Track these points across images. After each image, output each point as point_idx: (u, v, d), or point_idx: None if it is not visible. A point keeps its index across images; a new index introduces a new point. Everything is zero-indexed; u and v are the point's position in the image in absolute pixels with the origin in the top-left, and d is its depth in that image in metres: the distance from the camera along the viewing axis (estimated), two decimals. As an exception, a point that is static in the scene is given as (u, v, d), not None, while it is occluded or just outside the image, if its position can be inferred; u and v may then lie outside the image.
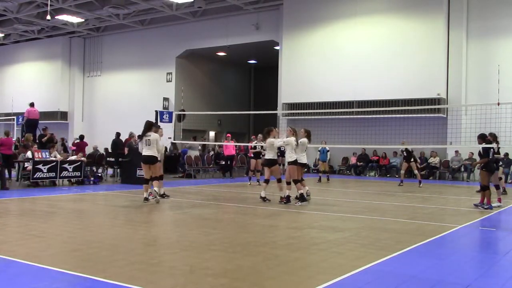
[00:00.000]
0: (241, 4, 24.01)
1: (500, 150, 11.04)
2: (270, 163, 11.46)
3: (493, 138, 11.09)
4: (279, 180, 11.32)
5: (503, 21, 19.88)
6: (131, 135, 17.55)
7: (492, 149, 10.66)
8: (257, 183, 16.28)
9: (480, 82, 19.98)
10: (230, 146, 19.05)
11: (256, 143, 17.16)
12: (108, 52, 30.72)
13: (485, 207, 10.69)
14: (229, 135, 20.14)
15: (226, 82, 31.72)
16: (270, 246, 6.49)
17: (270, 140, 11.45)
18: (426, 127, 19.37)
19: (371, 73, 21.31)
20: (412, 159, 16.65)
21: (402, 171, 17.11)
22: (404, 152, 16.75)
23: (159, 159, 11.12)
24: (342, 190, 15.55)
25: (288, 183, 11.12)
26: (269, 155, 11.48)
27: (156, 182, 10.86)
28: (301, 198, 10.87)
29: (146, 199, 10.66)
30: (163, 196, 11.42)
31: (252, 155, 17.02)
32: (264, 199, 11.33)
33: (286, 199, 11.04)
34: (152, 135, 10.74)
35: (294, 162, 10.95)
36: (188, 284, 4.73)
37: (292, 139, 10.98)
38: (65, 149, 19.12)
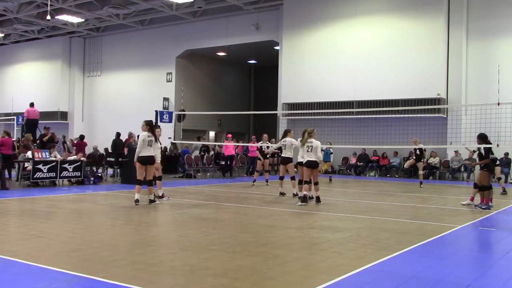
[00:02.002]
0: (241, 4, 24.01)
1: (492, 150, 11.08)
2: (286, 161, 12.40)
3: (484, 139, 11.09)
4: (293, 178, 12.28)
5: (503, 21, 19.88)
6: (131, 135, 17.58)
7: (491, 150, 10.74)
8: (266, 183, 16.24)
9: (480, 82, 19.98)
10: (230, 146, 19.07)
11: (262, 143, 17.22)
12: (108, 52, 30.72)
13: (483, 207, 10.72)
14: (229, 135, 20.14)
15: (226, 82, 31.72)
16: (270, 246, 6.49)
17: (290, 139, 12.33)
18: (426, 127, 19.37)
19: (371, 73, 21.31)
20: (422, 159, 16.48)
21: (420, 172, 16.60)
22: (417, 151, 16.41)
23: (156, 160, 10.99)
24: (342, 190, 15.54)
25: (306, 183, 11.16)
26: (286, 153, 12.40)
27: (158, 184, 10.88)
28: (303, 199, 10.91)
29: (137, 200, 10.30)
30: (160, 197, 11.34)
31: (259, 156, 17.09)
32: (294, 195, 11.92)
33: (303, 199, 11.05)
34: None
35: (301, 163, 11.24)
36: (188, 284, 4.73)
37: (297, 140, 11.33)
38: (68, 149, 19.07)
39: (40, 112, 20.54)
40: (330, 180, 18.06)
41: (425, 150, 16.69)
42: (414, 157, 16.61)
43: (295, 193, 12.20)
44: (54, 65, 31.43)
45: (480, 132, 11.22)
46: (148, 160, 10.42)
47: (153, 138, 10.45)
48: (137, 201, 10.28)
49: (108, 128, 27.17)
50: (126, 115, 28.09)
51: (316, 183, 11.18)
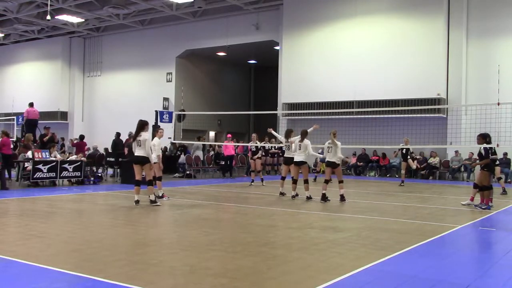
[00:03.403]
0: (241, 4, 24.01)
1: (495, 150, 11.08)
2: (290, 161, 12.42)
3: (484, 138, 11.08)
4: (294, 180, 12.25)
5: (503, 21, 19.88)
6: (131, 135, 17.56)
7: (491, 149, 10.75)
8: (262, 183, 16.18)
9: (480, 82, 19.97)
10: (230, 146, 19.07)
11: (251, 143, 17.19)
12: (108, 52, 30.71)
13: (483, 207, 10.71)
14: (229, 135, 20.13)
15: (226, 82, 31.72)
16: (270, 246, 6.49)
17: (293, 139, 12.42)
18: (426, 127, 19.37)
19: (371, 73, 21.31)
20: (408, 157, 16.80)
21: (403, 171, 17.13)
22: (403, 151, 16.76)
23: (152, 160, 10.86)
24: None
25: (327, 181, 11.86)
26: (290, 154, 12.49)
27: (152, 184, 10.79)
28: (322, 197, 11.65)
29: (137, 201, 10.29)
30: (160, 197, 11.32)
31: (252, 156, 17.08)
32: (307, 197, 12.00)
33: (325, 198, 11.63)
34: (143, 135, 10.34)
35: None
36: (188, 284, 4.73)
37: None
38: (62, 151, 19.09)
39: (40, 112, 20.52)
40: (330, 180, 18.04)
41: (411, 151, 17.29)
42: (400, 156, 16.96)
43: (295, 194, 12.24)
44: (54, 65, 31.42)
45: (483, 132, 11.22)
46: (137, 160, 10.36)
47: (141, 138, 10.32)
48: (137, 201, 10.29)
49: (108, 128, 27.16)
50: (126, 115, 28.02)
51: (305, 181, 11.89)
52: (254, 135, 17.51)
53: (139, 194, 10.43)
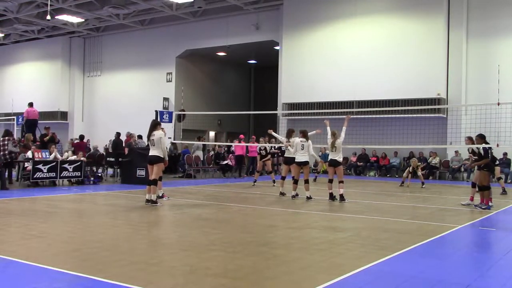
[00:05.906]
0: (241, 4, 24.01)
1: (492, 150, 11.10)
2: (290, 161, 12.36)
3: (483, 139, 11.12)
4: (295, 180, 12.19)
5: (503, 21, 19.88)
6: (130, 135, 17.57)
7: (490, 149, 10.78)
8: (273, 184, 16.08)
9: (480, 82, 19.97)
10: (241, 147, 19.21)
11: (261, 144, 17.24)
12: (108, 52, 30.71)
13: (483, 207, 10.72)
14: (242, 136, 20.17)
15: (226, 82, 31.71)
16: (270, 246, 6.49)
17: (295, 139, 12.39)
18: (426, 127, 19.37)
19: (371, 73, 21.31)
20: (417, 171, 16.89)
21: (405, 175, 16.98)
22: (415, 169, 16.76)
23: (166, 160, 10.82)
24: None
25: (331, 181, 11.95)
26: (290, 154, 12.44)
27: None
28: (330, 196, 11.80)
29: (148, 200, 10.30)
30: (160, 197, 11.31)
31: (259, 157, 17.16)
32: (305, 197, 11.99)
33: (333, 197, 11.80)
34: (156, 134, 10.43)
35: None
36: (188, 284, 4.73)
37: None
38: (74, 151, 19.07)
39: (40, 112, 20.53)
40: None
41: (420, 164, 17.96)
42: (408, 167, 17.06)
43: (295, 194, 12.24)
44: (54, 65, 31.41)
45: (481, 133, 11.24)
46: (152, 160, 10.47)
47: (154, 138, 10.42)
48: (148, 201, 10.27)
49: (108, 128, 27.16)
50: (126, 115, 28.08)
51: (305, 181, 11.93)
52: (262, 139, 17.67)
53: (151, 193, 10.32)
